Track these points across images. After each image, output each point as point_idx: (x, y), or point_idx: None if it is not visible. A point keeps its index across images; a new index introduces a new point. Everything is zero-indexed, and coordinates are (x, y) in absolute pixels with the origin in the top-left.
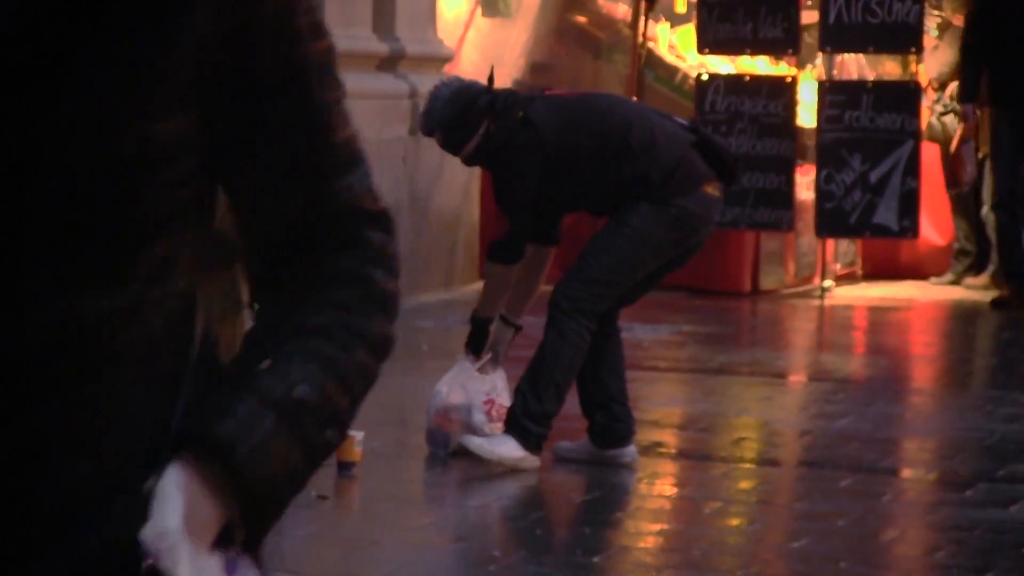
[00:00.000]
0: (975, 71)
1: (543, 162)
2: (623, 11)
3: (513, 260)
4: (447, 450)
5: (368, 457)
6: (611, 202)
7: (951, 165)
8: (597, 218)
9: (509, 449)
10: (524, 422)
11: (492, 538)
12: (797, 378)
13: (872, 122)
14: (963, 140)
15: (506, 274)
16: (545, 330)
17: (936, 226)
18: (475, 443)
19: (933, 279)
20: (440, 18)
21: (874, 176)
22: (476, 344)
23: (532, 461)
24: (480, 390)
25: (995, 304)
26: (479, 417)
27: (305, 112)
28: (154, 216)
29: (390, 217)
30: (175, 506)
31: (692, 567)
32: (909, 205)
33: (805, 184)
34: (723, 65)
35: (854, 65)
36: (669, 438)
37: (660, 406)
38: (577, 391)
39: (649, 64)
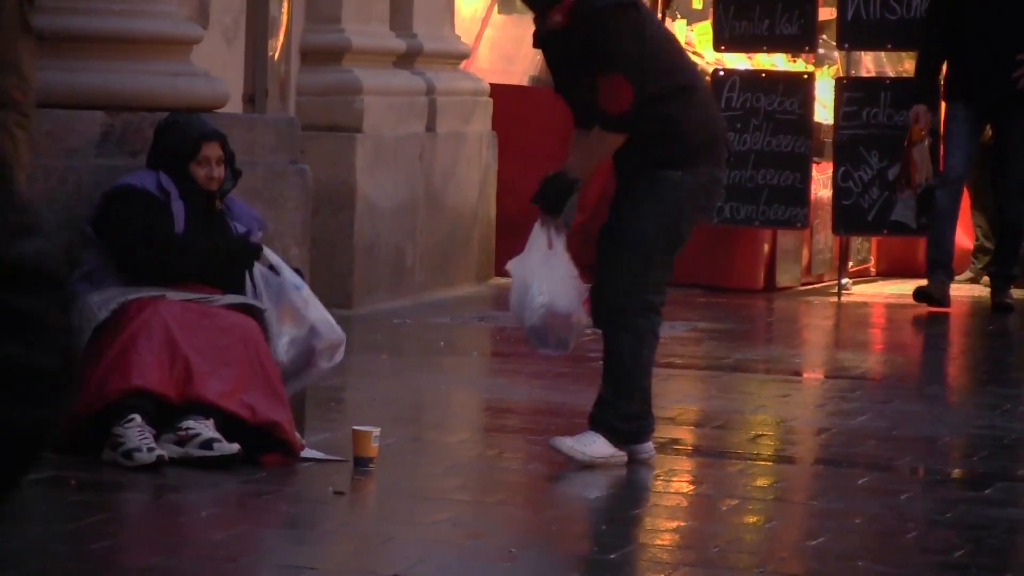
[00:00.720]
0: (932, 71)
1: (636, 43)
2: None
3: (631, 128)
4: (568, 350)
5: (384, 453)
6: (644, 137)
7: (903, 168)
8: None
9: (599, 448)
10: (613, 422)
11: (508, 534)
12: (814, 375)
13: (890, 119)
14: (914, 142)
15: (617, 142)
16: (616, 334)
17: (964, 226)
18: (566, 444)
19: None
20: (457, 15)
21: (892, 174)
22: (558, 204)
23: (621, 457)
24: (584, 289)
25: (918, 295)
26: (585, 320)
27: None
28: None
29: (37, 273)
30: None
31: (708, 564)
32: (927, 203)
33: (822, 181)
34: (740, 62)
35: (872, 62)
36: (685, 435)
37: (676, 403)
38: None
39: None
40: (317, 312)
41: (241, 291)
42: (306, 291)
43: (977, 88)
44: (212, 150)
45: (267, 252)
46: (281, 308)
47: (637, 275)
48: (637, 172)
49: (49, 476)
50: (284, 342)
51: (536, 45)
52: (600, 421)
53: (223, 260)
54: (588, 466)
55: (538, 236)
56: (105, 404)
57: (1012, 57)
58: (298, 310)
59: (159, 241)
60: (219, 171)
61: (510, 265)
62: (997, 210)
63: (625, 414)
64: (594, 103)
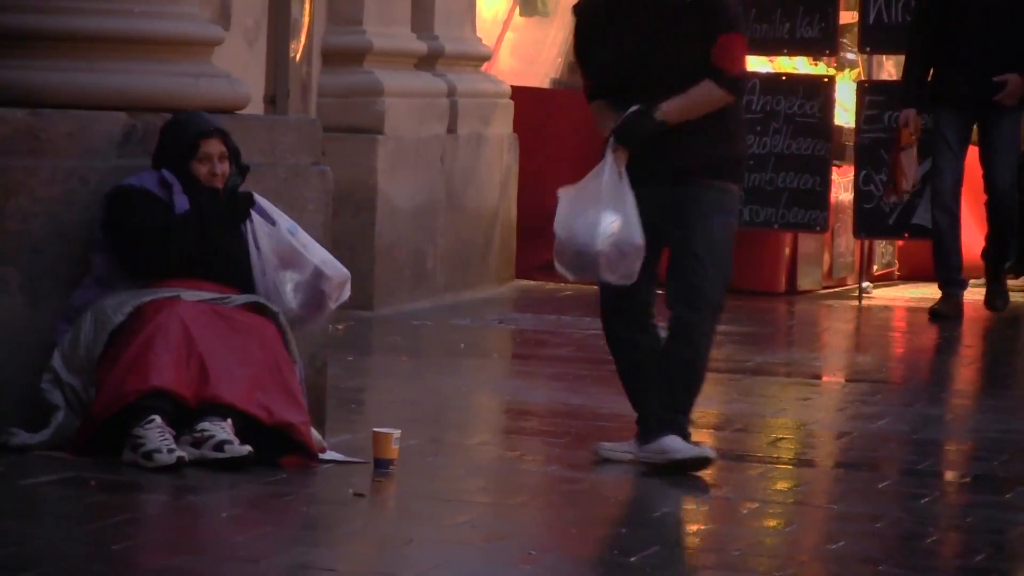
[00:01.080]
0: (920, 74)
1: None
2: None
3: (744, 92)
4: (632, 281)
5: (404, 455)
6: (702, 131)
7: (890, 173)
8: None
9: (676, 447)
10: (685, 425)
11: (528, 537)
12: (834, 379)
13: None
14: (901, 148)
15: (723, 102)
16: (695, 342)
17: (982, 229)
18: (676, 443)
19: (971, 280)
20: (478, 17)
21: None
22: (638, 140)
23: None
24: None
25: (933, 315)
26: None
27: None
28: None
29: None
30: None
31: (728, 568)
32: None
33: (843, 185)
34: (761, 65)
35: (893, 66)
36: (706, 438)
37: (697, 406)
38: (635, 392)
39: None
40: (318, 253)
41: (245, 258)
42: (302, 234)
43: (964, 90)
44: (212, 147)
45: (259, 199)
46: (279, 254)
47: (719, 288)
48: (702, 182)
49: (69, 477)
50: (289, 289)
51: (582, 14)
52: (675, 424)
53: (220, 221)
54: (602, 462)
55: (610, 167)
56: (123, 405)
57: (997, 58)
58: (299, 253)
59: (155, 229)
60: (222, 167)
61: (562, 191)
62: (989, 208)
63: (689, 417)
64: (684, 65)
